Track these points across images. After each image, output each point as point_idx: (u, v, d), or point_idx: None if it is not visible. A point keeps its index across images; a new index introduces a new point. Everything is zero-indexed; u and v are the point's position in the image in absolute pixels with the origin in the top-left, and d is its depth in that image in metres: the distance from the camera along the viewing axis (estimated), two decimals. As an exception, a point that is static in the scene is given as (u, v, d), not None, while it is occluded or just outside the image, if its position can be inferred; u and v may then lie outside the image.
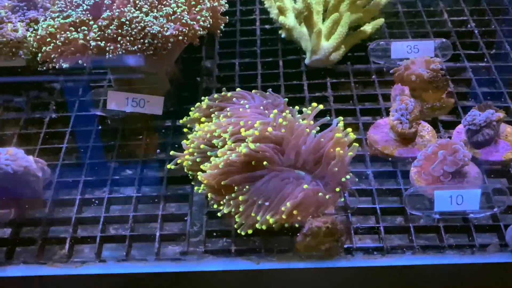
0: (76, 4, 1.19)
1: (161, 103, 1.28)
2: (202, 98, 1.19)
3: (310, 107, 1.12)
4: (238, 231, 1.02)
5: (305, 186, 1.01)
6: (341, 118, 1.09)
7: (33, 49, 1.24)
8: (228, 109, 1.13)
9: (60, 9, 1.20)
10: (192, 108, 1.20)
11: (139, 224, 1.15)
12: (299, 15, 1.40)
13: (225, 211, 1.02)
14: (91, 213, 1.16)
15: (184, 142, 1.14)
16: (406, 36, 1.51)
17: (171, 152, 1.14)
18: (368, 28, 1.45)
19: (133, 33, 1.09)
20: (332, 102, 1.35)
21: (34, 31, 1.21)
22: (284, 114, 1.06)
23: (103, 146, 1.28)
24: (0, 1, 1.33)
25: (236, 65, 1.48)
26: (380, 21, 1.47)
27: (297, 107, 1.14)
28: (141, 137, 1.30)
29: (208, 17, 1.18)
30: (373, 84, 1.39)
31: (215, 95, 1.19)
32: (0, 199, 1.09)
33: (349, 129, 1.05)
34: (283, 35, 1.51)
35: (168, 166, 1.14)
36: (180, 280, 1.05)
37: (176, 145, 1.26)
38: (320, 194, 1.00)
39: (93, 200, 1.18)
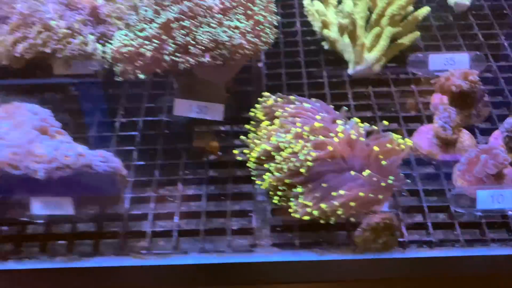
0: (149, 19, 1.31)
1: (222, 110, 1.41)
2: (266, 96, 1.31)
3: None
4: (292, 214, 1.14)
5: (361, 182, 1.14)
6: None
7: (107, 61, 1.37)
8: (292, 106, 1.25)
9: (133, 23, 1.32)
10: (256, 108, 1.31)
11: (208, 219, 1.27)
12: (344, 29, 1.53)
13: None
14: (166, 209, 1.28)
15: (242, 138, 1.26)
16: (439, 48, 1.63)
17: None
18: (405, 40, 1.58)
19: (205, 43, 1.21)
20: (377, 109, 1.48)
21: (109, 44, 1.33)
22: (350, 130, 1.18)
23: (170, 149, 1.41)
24: (73, 16, 1.44)
25: (283, 74, 1.61)
26: (416, 34, 1.60)
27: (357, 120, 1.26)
28: (204, 140, 1.42)
29: (270, 35, 1.31)
30: (413, 93, 1.51)
31: (278, 98, 1.30)
32: (89, 197, 1.21)
33: (408, 140, 1.18)
34: (326, 47, 1.63)
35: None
36: (253, 270, 1.18)
37: (236, 148, 1.38)
38: (373, 192, 1.13)
39: (167, 197, 1.31)
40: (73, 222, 1.26)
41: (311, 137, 1.16)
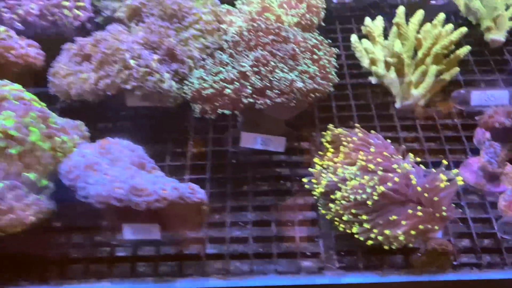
0: (225, 63, 1.47)
1: (283, 142, 1.56)
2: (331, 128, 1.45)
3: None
4: (358, 236, 1.29)
5: (419, 213, 1.28)
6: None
7: (179, 96, 1.53)
8: (356, 138, 1.40)
9: (210, 66, 1.47)
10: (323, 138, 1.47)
11: (277, 243, 1.42)
12: (392, 66, 1.68)
13: (354, 231, 1.30)
14: (239, 233, 1.43)
15: (311, 170, 1.41)
16: (477, 82, 1.78)
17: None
18: (447, 76, 1.73)
19: (282, 87, 1.36)
20: (424, 142, 1.63)
21: (187, 83, 1.48)
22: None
23: (239, 177, 1.55)
24: (150, 55, 1.59)
25: (333, 107, 1.75)
26: (456, 70, 1.74)
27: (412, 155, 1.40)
28: (268, 169, 1.57)
29: (334, 76, 1.46)
30: (456, 126, 1.66)
31: (340, 130, 1.44)
32: (175, 223, 1.36)
33: (458, 178, 1.32)
34: (373, 81, 1.78)
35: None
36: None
37: (297, 177, 1.53)
38: (429, 223, 1.28)
39: (239, 222, 1.45)
40: (157, 246, 1.40)
41: (379, 172, 1.30)
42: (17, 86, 1.42)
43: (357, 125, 1.44)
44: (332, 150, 1.42)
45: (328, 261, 1.37)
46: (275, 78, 1.38)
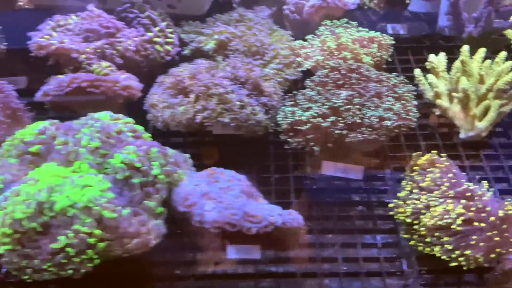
0: (314, 100, 1.63)
1: (362, 171, 1.71)
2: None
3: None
4: (439, 255, 1.44)
5: (496, 238, 1.43)
6: None
7: (265, 127, 1.69)
8: (441, 166, 1.54)
9: (301, 102, 1.64)
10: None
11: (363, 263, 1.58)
12: (458, 101, 1.84)
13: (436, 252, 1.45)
14: (330, 253, 1.59)
15: (399, 195, 1.57)
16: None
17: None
18: (507, 109, 1.88)
19: (373, 124, 1.52)
20: (489, 171, 1.79)
21: (283, 117, 1.64)
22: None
23: (322, 202, 1.71)
24: (241, 89, 1.75)
25: (401, 136, 1.91)
26: (514, 103, 1.90)
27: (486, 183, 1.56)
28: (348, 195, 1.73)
29: (415, 112, 1.62)
30: (516, 155, 1.83)
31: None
32: (275, 244, 1.52)
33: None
34: (437, 113, 1.94)
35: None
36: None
37: (375, 203, 1.69)
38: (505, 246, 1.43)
39: (330, 244, 1.61)
40: (256, 264, 1.56)
41: (462, 201, 1.46)
42: (129, 119, 1.58)
43: (442, 154, 1.59)
44: (419, 176, 1.57)
45: (411, 279, 1.52)
46: (365, 115, 1.54)
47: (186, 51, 1.99)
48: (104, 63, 1.80)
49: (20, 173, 1.45)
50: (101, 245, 1.34)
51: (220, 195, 1.45)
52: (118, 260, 1.41)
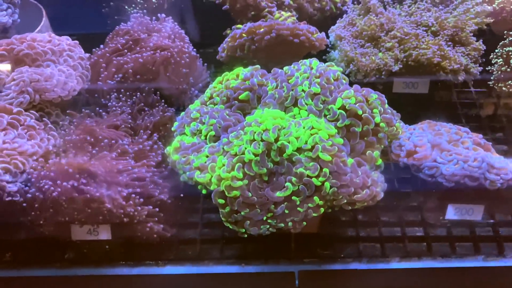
0: None
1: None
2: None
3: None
4: None
5: None
6: None
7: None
8: None
9: None
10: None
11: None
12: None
13: None
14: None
15: None
16: None
17: None
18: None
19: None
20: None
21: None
22: None
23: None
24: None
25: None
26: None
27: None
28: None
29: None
30: None
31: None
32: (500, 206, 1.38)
33: None
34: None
35: None
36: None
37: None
38: None
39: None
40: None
41: None
42: (337, 67, 1.44)
43: None
44: None
45: None
46: None
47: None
48: (285, 13, 1.68)
49: (232, 119, 1.34)
50: (330, 190, 1.21)
51: (452, 148, 1.32)
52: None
